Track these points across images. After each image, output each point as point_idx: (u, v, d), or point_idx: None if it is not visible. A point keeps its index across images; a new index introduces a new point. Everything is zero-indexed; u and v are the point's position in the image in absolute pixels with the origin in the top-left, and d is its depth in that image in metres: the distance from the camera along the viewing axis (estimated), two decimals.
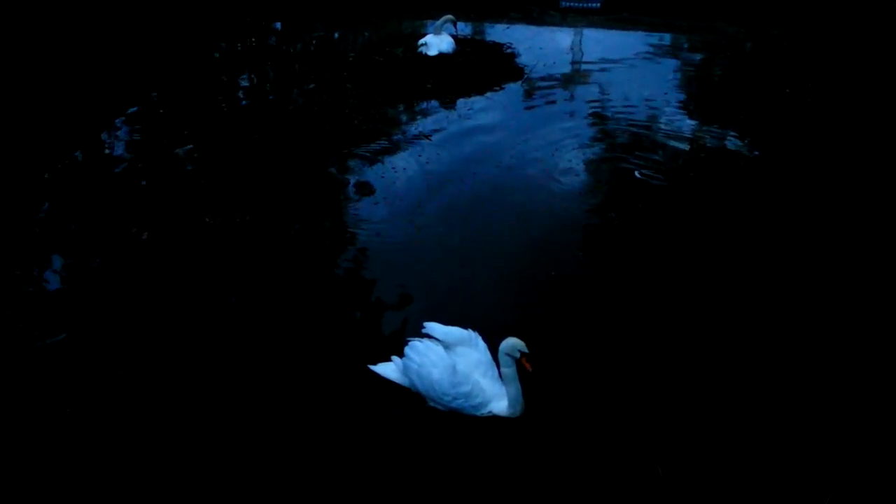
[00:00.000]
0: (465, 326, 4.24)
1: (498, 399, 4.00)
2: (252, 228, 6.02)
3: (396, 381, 4.20)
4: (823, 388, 4.18)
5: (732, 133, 7.69)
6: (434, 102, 8.66)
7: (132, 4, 12.57)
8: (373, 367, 4.28)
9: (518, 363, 3.84)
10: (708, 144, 7.50)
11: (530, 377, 3.89)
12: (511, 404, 3.95)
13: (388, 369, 4.24)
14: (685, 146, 7.42)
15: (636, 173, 5.84)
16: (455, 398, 3.92)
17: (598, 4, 13.03)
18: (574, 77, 9.56)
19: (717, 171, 6.90)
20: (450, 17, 9.57)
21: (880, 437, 3.85)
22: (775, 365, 4.37)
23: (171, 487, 3.66)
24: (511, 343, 3.83)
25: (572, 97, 8.83)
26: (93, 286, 5.28)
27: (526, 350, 3.81)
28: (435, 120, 8.16)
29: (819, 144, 7.37)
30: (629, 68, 9.80)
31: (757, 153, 7.23)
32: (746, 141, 7.48)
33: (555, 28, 11.93)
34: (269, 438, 3.92)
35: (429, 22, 11.64)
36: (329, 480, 3.69)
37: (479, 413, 3.99)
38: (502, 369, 3.93)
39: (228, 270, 5.43)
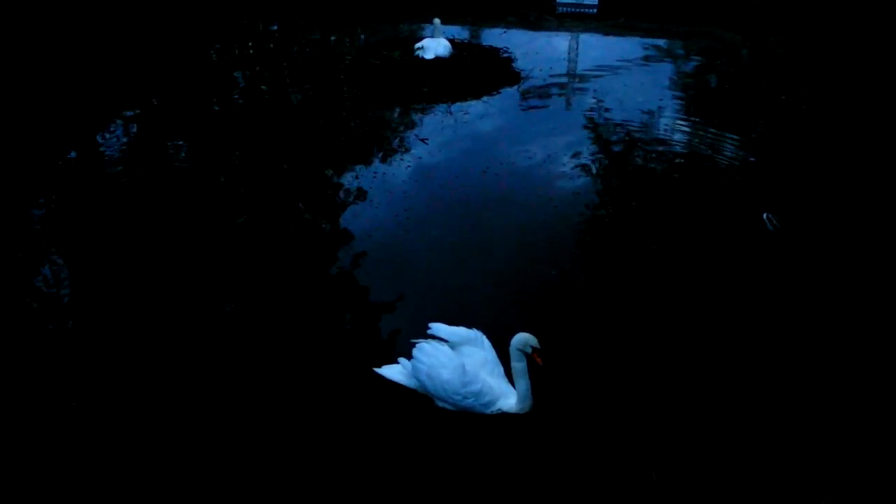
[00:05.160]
0: (468, 326, 4.24)
1: (506, 397, 4.00)
2: (248, 231, 5.96)
3: (403, 383, 4.17)
4: (821, 394, 4.16)
5: (730, 136, 7.70)
6: (430, 106, 8.64)
7: (129, 6, 12.54)
8: (378, 371, 4.25)
9: (529, 358, 3.86)
10: (702, 149, 7.50)
11: (536, 374, 3.89)
12: (521, 400, 3.95)
13: (395, 371, 4.22)
14: (679, 150, 7.42)
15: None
16: (466, 397, 3.91)
17: (595, 10, 13.08)
18: (570, 82, 9.56)
19: (711, 173, 6.90)
20: (437, 19, 9.62)
21: (878, 442, 3.84)
22: (774, 370, 4.33)
23: (178, 493, 3.61)
24: (523, 338, 3.84)
25: (568, 102, 8.83)
26: (92, 291, 5.23)
27: (538, 345, 3.82)
28: (431, 123, 8.13)
29: (814, 150, 7.38)
30: (625, 74, 9.81)
31: (753, 159, 7.24)
32: (742, 147, 7.50)
33: (551, 33, 11.95)
34: (281, 444, 3.86)
35: (425, 25, 11.64)
36: (341, 483, 3.64)
37: (488, 411, 3.97)
38: (513, 364, 3.91)
39: (223, 272, 5.38)
